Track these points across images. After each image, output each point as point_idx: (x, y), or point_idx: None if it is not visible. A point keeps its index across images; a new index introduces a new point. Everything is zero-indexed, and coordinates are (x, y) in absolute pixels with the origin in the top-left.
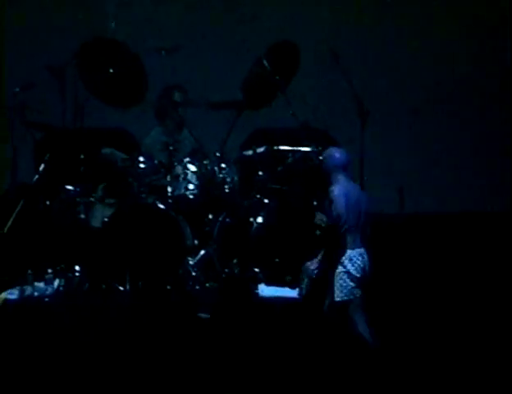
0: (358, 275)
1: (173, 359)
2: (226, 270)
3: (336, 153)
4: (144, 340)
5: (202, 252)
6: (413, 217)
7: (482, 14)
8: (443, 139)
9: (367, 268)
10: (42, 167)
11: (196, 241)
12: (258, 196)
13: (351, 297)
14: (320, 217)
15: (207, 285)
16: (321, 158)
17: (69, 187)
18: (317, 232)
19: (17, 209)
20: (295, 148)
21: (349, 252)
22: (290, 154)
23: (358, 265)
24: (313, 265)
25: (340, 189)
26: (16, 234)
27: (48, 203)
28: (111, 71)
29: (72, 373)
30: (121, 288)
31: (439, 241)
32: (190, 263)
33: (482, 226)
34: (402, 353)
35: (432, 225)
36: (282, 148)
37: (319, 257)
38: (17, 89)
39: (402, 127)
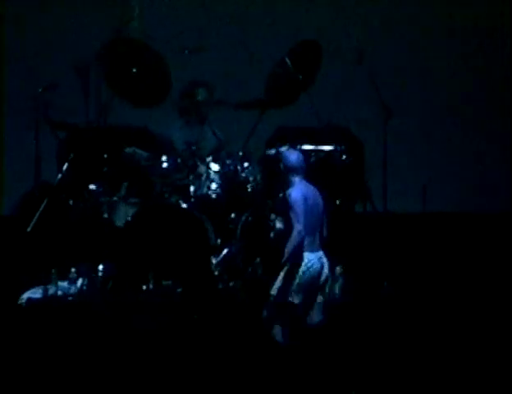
0: (306, 280)
1: (199, 357)
2: (250, 269)
3: (292, 155)
4: (166, 339)
5: (225, 251)
6: (436, 216)
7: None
8: (466, 140)
9: (326, 270)
10: (65, 166)
11: (219, 240)
12: (281, 195)
13: (289, 299)
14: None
15: (230, 284)
16: (344, 157)
17: (92, 186)
18: (272, 235)
19: (41, 208)
20: (318, 147)
21: (306, 254)
22: (312, 153)
23: (314, 269)
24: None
25: (297, 192)
26: (40, 233)
27: (71, 202)
28: (134, 70)
29: (95, 372)
30: (145, 287)
31: (462, 240)
32: (213, 262)
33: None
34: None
35: (454, 224)
36: (305, 147)
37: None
38: (40, 90)
39: (425, 127)
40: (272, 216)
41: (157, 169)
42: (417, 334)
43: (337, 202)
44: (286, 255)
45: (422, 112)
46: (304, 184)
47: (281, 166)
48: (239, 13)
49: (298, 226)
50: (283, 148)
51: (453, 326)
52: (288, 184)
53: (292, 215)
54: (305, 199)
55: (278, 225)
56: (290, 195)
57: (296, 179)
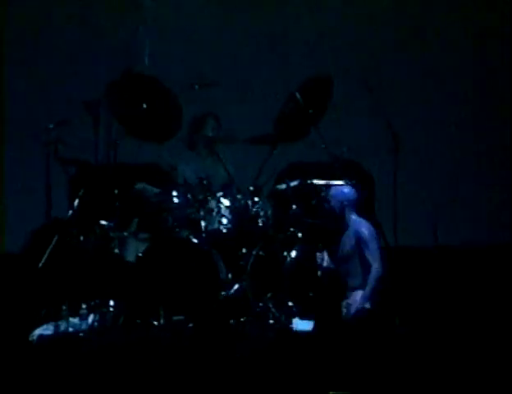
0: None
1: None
2: (261, 304)
3: (349, 190)
4: (178, 374)
5: (236, 286)
6: (448, 250)
7: None
8: (478, 172)
9: None
10: (76, 202)
11: (230, 275)
12: (292, 230)
13: None
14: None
15: (241, 319)
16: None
17: (103, 222)
18: (319, 273)
19: (52, 245)
20: (329, 181)
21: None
22: (323, 188)
23: None
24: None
25: (367, 228)
26: (51, 269)
27: (82, 238)
28: (144, 106)
29: None
30: (156, 323)
31: (474, 274)
32: (224, 297)
33: None
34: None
35: (468, 257)
36: (316, 181)
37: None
38: (51, 125)
39: (436, 159)
40: (319, 254)
41: (167, 204)
42: (428, 373)
43: None
44: (368, 295)
45: (432, 145)
46: (362, 219)
47: (337, 203)
48: (248, 47)
49: (376, 264)
50: (294, 183)
51: (465, 363)
52: (346, 221)
53: (367, 253)
54: (376, 234)
55: (326, 263)
56: (362, 233)
57: (353, 215)
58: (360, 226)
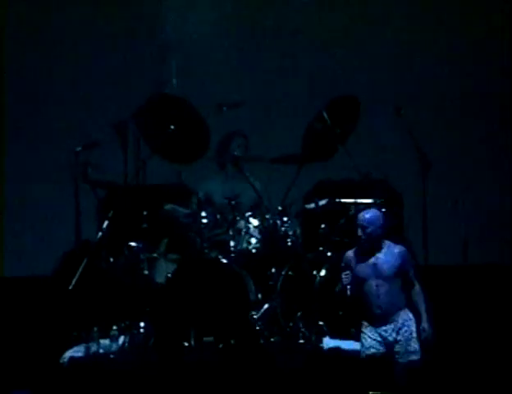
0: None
1: None
2: (291, 324)
3: (379, 213)
4: None
5: (266, 306)
6: (478, 269)
7: None
8: (506, 191)
9: None
10: (105, 224)
11: (260, 295)
12: (321, 249)
13: None
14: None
15: (271, 339)
16: (383, 209)
17: (132, 244)
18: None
19: (82, 267)
20: (357, 200)
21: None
22: (352, 206)
23: None
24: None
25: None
26: (81, 291)
27: (111, 259)
28: (172, 127)
29: None
30: (187, 344)
31: (503, 293)
32: (254, 317)
33: None
34: None
35: (495, 276)
36: (344, 200)
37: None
38: (79, 148)
39: (464, 179)
40: (344, 275)
41: (196, 225)
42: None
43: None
44: (427, 316)
45: (460, 163)
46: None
47: (377, 230)
48: (275, 66)
49: (418, 285)
50: (322, 202)
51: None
52: (381, 244)
53: (411, 273)
54: None
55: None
56: (407, 253)
57: (386, 240)
58: (401, 247)
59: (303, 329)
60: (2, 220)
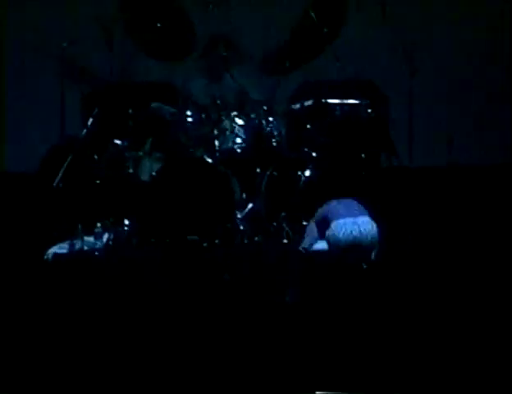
0: None
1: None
2: (274, 224)
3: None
4: (191, 296)
5: (250, 206)
6: (462, 169)
7: None
8: (493, 92)
9: None
10: (90, 121)
11: (244, 195)
12: (306, 150)
13: None
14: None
15: (255, 238)
16: (369, 110)
17: (117, 141)
18: None
19: (66, 163)
20: (343, 100)
21: None
22: (337, 107)
23: None
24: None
25: None
26: (65, 188)
27: (96, 157)
28: (158, 25)
29: (123, 332)
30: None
31: (488, 193)
32: (238, 216)
33: None
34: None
35: (481, 176)
36: (330, 101)
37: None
38: (65, 44)
39: (451, 81)
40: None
41: (181, 124)
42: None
43: (362, 156)
44: None
45: (448, 67)
46: None
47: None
48: None
49: None
50: (307, 102)
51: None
52: None
53: None
54: None
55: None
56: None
57: None
58: None
59: (286, 229)
60: None
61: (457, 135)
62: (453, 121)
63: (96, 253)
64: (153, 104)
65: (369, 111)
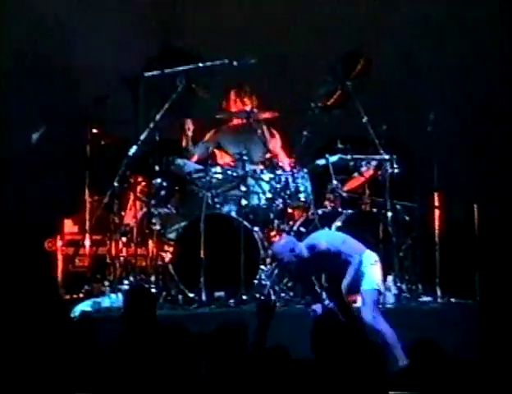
0: None
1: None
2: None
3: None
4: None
5: (276, 262)
6: None
7: None
8: None
9: None
10: (117, 179)
11: (270, 251)
12: (332, 205)
13: None
14: None
15: (282, 295)
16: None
17: (144, 198)
18: None
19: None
20: (369, 156)
21: None
22: (363, 163)
23: None
24: None
25: None
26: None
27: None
28: (183, 82)
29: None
30: (197, 297)
31: None
32: (265, 272)
33: None
34: None
35: None
36: (356, 156)
37: None
38: (92, 102)
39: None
40: None
41: (207, 180)
42: None
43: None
44: None
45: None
46: None
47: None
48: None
49: None
50: (333, 158)
51: None
52: None
53: None
54: None
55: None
56: None
57: None
58: None
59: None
60: None
61: None
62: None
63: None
64: (179, 160)
65: (395, 166)
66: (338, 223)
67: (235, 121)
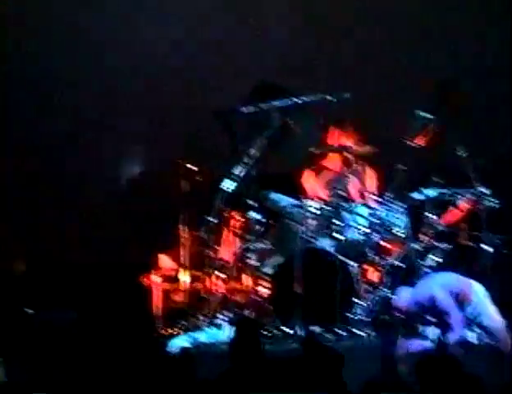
0: None
1: None
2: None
3: None
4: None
5: (371, 296)
6: None
7: None
8: None
9: None
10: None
11: (364, 286)
12: (429, 239)
13: None
14: None
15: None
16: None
17: (239, 233)
18: None
19: None
20: (465, 189)
21: None
22: (459, 196)
23: None
24: None
25: None
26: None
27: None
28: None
29: None
30: (292, 332)
31: None
32: (360, 306)
33: None
34: None
35: None
36: (452, 189)
37: None
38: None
39: None
40: None
41: (302, 215)
42: None
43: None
44: None
45: None
46: None
47: None
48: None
49: None
50: (429, 192)
51: None
52: None
53: None
54: None
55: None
56: None
57: None
58: None
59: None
60: None
61: None
62: None
63: (222, 346)
64: (273, 195)
65: (493, 200)
66: (434, 257)
67: (332, 155)
